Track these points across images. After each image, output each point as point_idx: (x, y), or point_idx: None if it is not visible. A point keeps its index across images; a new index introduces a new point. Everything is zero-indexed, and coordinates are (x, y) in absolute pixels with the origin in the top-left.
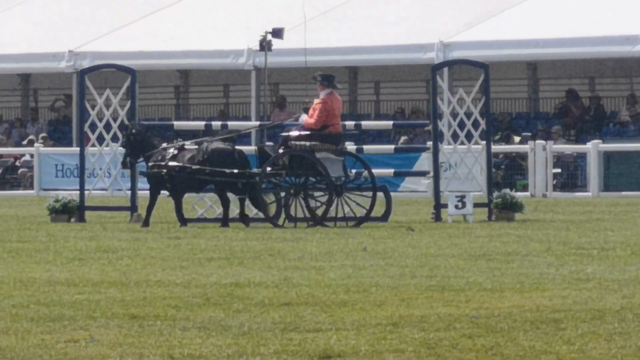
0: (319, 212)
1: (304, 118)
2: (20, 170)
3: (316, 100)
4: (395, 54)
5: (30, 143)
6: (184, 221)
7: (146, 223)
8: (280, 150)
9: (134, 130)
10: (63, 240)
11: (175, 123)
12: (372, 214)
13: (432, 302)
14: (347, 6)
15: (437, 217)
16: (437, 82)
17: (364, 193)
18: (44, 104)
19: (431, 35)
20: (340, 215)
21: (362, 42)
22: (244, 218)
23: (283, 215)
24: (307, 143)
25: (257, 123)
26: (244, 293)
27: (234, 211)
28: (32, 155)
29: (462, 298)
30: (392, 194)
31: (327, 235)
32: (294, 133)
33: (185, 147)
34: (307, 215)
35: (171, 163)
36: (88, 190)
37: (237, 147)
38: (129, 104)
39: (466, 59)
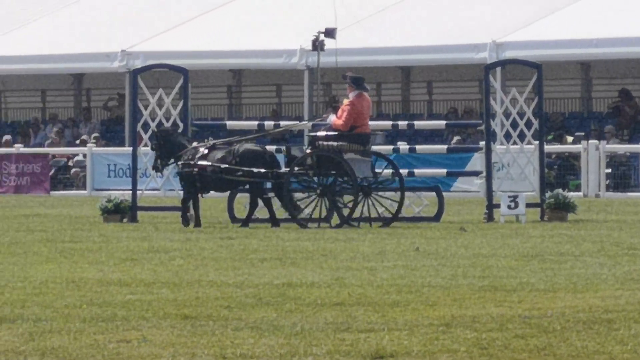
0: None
1: (332, 119)
2: (72, 170)
3: (345, 101)
4: (448, 53)
5: (83, 143)
6: (186, 220)
7: (185, 221)
8: (308, 151)
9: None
10: (115, 241)
11: (228, 123)
12: (424, 214)
13: (485, 303)
14: (399, 6)
15: (490, 217)
16: (490, 82)
17: (418, 193)
18: (97, 103)
19: (484, 35)
20: (371, 215)
21: (414, 42)
22: (274, 220)
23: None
24: (335, 143)
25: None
26: (297, 293)
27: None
28: (84, 155)
29: (515, 298)
30: (444, 194)
31: (379, 236)
32: (322, 133)
33: (216, 146)
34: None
35: (201, 162)
36: (140, 190)
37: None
38: (181, 103)
39: (519, 59)
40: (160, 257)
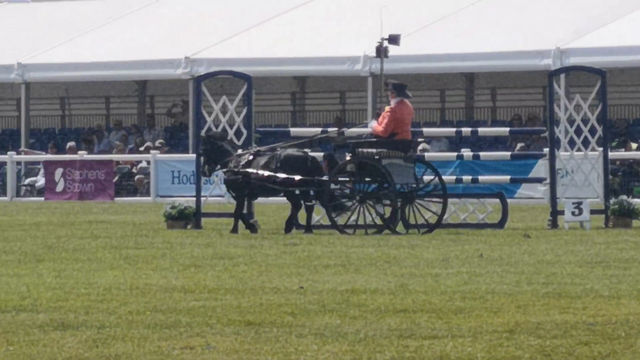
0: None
1: (374, 124)
2: (136, 177)
3: (386, 108)
4: (511, 60)
5: (147, 150)
6: (251, 226)
7: (234, 229)
8: (347, 157)
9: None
10: (179, 247)
11: (292, 130)
12: (488, 221)
13: (549, 309)
14: (463, 13)
15: (554, 224)
16: (554, 89)
17: (482, 200)
18: (161, 110)
19: (548, 41)
20: (419, 221)
21: (478, 49)
22: (308, 227)
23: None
24: (374, 150)
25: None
26: (360, 300)
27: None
28: (148, 162)
29: (579, 305)
30: (508, 200)
31: (443, 242)
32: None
33: (260, 153)
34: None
35: (247, 169)
36: (204, 196)
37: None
38: (245, 110)
39: (583, 66)
40: (224, 263)
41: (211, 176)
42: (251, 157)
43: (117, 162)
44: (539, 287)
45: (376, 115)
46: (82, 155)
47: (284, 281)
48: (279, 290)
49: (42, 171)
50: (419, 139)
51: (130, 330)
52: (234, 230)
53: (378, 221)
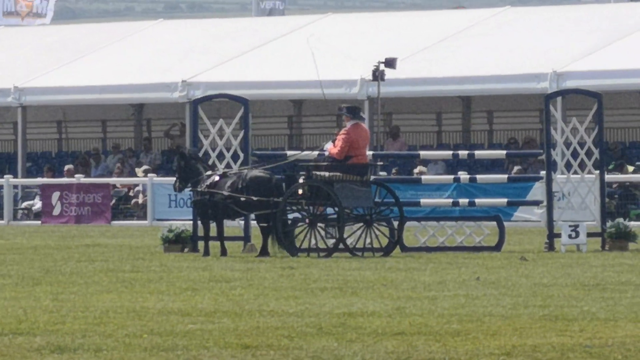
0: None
1: (329, 147)
2: (133, 201)
3: (340, 132)
4: (508, 83)
5: (144, 173)
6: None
7: (206, 253)
8: (301, 180)
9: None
10: (176, 270)
11: (289, 152)
12: (485, 244)
13: (546, 332)
14: (459, 36)
15: (551, 247)
16: (551, 112)
17: (479, 223)
18: (157, 134)
19: (545, 64)
20: (374, 245)
21: (475, 72)
22: (264, 250)
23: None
24: (327, 174)
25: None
26: (357, 323)
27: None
28: (145, 186)
29: (576, 327)
30: (505, 223)
31: (439, 265)
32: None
33: (228, 174)
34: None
35: (212, 190)
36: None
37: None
38: (242, 133)
39: (579, 89)
40: (221, 286)
41: (182, 192)
42: (217, 178)
43: (114, 186)
44: (535, 310)
45: (332, 141)
46: (79, 178)
47: (281, 304)
48: (276, 313)
49: (39, 195)
50: (378, 162)
51: (127, 354)
52: (205, 253)
53: (326, 244)
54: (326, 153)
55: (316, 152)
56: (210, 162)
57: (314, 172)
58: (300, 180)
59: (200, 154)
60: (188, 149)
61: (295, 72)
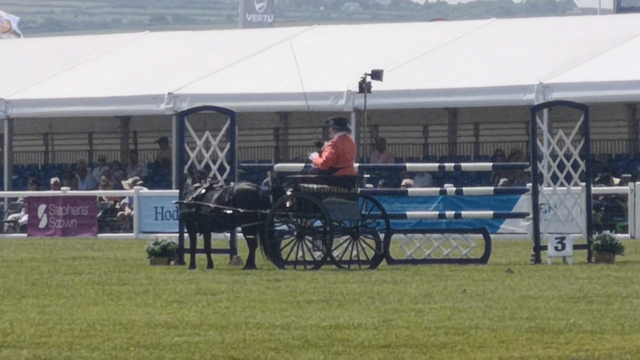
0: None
1: (314, 157)
2: (119, 213)
3: (327, 143)
4: (494, 95)
5: (131, 185)
6: (211, 263)
7: (192, 265)
8: (288, 193)
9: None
10: (163, 283)
11: (275, 165)
12: (471, 256)
13: (532, 344)
14: (446, 48)
15: (537, 259)
16: (537, 124)
17: (465, 235)
18: (144, 146)
19: (531, 76)
20: (360, 257)
21: (461, 84)
22: (250, 262)
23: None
24: (315, 186)
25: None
26: (344, 335)
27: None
28: (131, 199)
29: (562, 340)
30: (491, 235)
31: (426, 278)
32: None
33: (214, 186)
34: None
35: (197, 202)
36: (186, 232)
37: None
38: (228, 145)
39: (566, 100)
40: (208, 299)
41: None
42: (204, 191)
43: (101, 198)
44: (522, 322)
45: (316, 147)
46: (65, 191)
47: (268, 317)
48: (263, 326)
49: (25, 207)
50: (365, 175)
51: None
52: (191, 266)
53: (312, 256)
54: (311, 159)
55: (302, 165)
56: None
57: (301, 185)
58: (288, 193)
59: (186, 167)
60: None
61: (281, 84)
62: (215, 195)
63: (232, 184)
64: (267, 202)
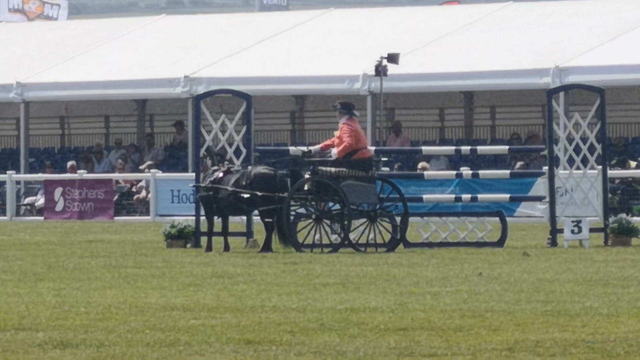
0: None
1: (334, 152)
2: (136, 196)
3: (339, 126)
4: (511, 78)
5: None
6: (227, 246)
7: (208, 248)
8: (307, 176)
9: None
10: (179, 266)
11: (291, 148)
12: (488, 240)
13: (548, 327)
14: (462, 31)
15: (553, 242)
16: (553, 107)
17: (481, 218)
18: (160, 129)
19: (547, 60)
20: (377, 240)
21: (477, 67)
22: (267, 245)
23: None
24: (333, 169)
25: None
26: (360, 318)
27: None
28: (148, 181)
29: (578, 323)
30: (508, 219)
31: (442, 261)
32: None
33: (232, 170)
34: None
35: (216, 185)
36: (204, 215)
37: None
38: (244, 129)
39: (582, 84)
40: (224, 282)
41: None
42: (222, 174)
43: (117, 182)
44: (538, 306)
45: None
46: (82, 174)
47: (283, 300)
48: (278, 309)
49: (41, 190)
50: (382, 158)
51: (130, 349)
52: (208, 249)
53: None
54: (334, 155)
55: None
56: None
57: (319, 168)
58: (306, 176)
59: (203, 150)
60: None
61: (298, 68)
62: (233, 179)
63: (249, 167)
64: (284, 185)
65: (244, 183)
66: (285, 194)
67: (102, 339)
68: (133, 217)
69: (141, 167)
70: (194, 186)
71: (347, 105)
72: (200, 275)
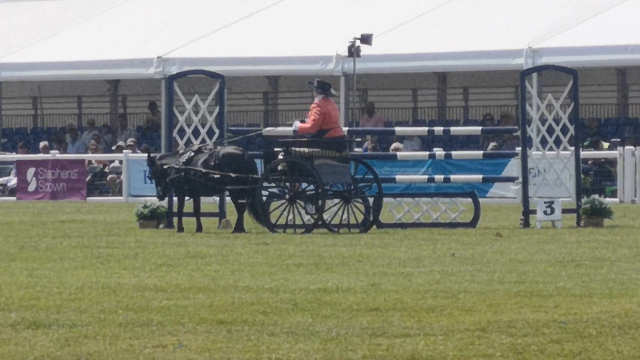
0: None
1: (298, 124)
2: (109, 177)
3: (311, 106)
4: (484, 59)
5: (119, 149)
6: (200, 226)
7: (180, 229)
8: (280, 156)
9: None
10: (152, 246)
11: (264, 129)
12: (460, 220)
13: (520, 308)
14: (435, 12)
15: (526, 223)
16: (526, 88)
17: (454, 199)
18: (133, 110)
19: (520, 41)
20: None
21: (450, 48)
22: (239, 226)
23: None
24: (306, 150)
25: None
26: (332, 298)
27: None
28: (120, 162)
29: (550, 303)
30: (480, 199)
31: (415, 242)
32: (292, 139)
33: (203, 150)
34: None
35: (187, 167)
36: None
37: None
38: (217, 109)
39: (555, 65)
40: (196, 262)
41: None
42: (192, 154)
43: (90, 162)
44: (510, 286)
45: (301, 118)
46: (54, 154)
47: (256, 280)
48: (251, 289)
49: (14, 171)
50: (356, 138)
51: (102, 329)
52: (179, 229)
53: (303, 220)
54: (296, 130)
55: (291, 129)
56: (184, 139)
57: (292, 148)
58: (280, 157)
59: (175, 131)
60: (153, 154)
61: (271, 48)
62: (202, 159)
63: (218, 147)
64: (253, 166)
65: (212, 163)
66: (254, 175)
67: (74, 319)
68: (106, 198)
69: (120, 143)
70: (166, 167)
71: (324, 84)
72: (173, 256)
